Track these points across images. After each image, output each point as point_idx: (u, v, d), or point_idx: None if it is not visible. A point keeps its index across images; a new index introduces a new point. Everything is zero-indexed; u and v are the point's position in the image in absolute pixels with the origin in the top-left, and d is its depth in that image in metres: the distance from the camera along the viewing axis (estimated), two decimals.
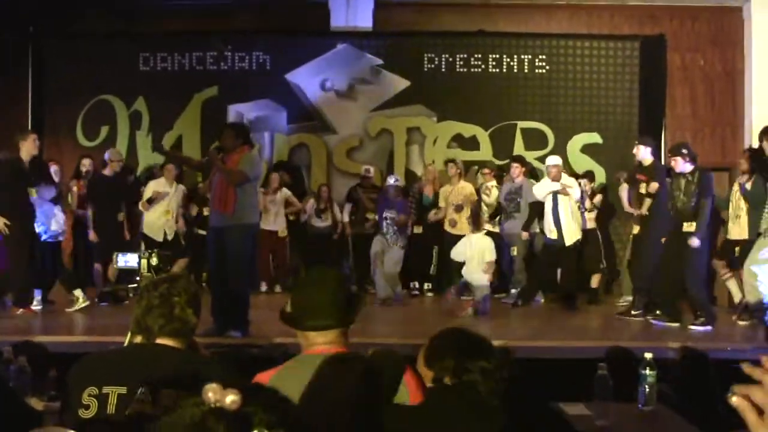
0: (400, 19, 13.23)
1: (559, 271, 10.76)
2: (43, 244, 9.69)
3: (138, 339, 3.09)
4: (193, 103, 13.13)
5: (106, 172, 10.86)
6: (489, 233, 10.64)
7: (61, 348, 6.51)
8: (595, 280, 11.26)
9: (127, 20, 13.00)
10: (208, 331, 7.47)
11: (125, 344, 3.26)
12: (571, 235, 10.33)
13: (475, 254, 9.96)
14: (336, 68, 13.12)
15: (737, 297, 9.95)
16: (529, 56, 13.06)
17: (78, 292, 9.68)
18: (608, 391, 4.04)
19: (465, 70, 13.07)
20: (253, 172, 8.08)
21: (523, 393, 3.83)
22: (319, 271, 3.26)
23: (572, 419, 4.09)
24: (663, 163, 10.40)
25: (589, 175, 11.78)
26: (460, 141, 13.06)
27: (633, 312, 9.59)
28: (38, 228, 9.56)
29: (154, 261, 10.23)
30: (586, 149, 12.87)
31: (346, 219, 12.30)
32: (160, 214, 11.24)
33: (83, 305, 9.58)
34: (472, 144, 13.04)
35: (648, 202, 9.51)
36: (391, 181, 11.32)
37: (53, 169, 10.58)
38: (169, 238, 11.30)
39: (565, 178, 10.49)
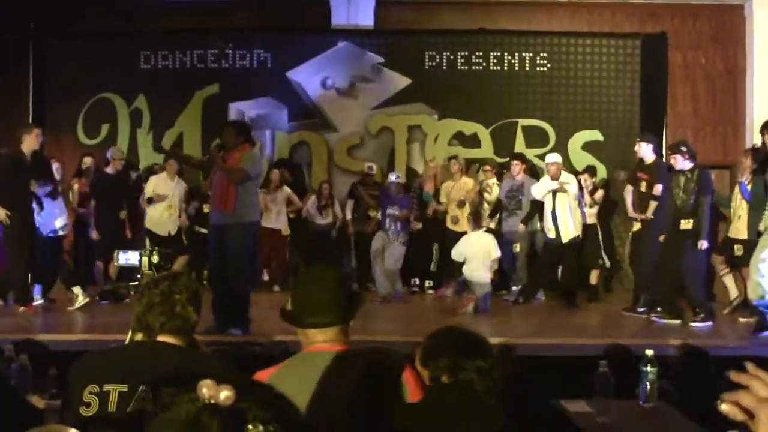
0: (401, 17, 13.23)
1: (560, 268, 10.77)
2: (44, 240, 9.69)
3: (139, 336, 3.09)
4: (194, 101, 13.13)
5: (109, 170, 10.88)
6: (488, 230, 10.64)
7: (62, 346, 6.51)
8: (594, 277, 11.25)
9: (128, 18, 13.00)
10: (209, 329, 7.47)
11: (126, 342, 3.26)
12: (568, 233, 10.33)
13: (477, 252, 9.96)
14: (337, 66, 13.11)
15: (733, 294, 9.97)
16: (531, 54, 13.05)
17: (77, 290, 9.68)
18: (609, 388, 4.04)
19: (466, 68, 13.06)
20: (254, 170, 8.08)
21: (523, 390, 3.83)
22: (319, 269, 3.28)
23: (573, 416, 4.09)
24: (665, 160, 10.39)
25: (590, 170, 11.74)
26: (461, 139, 13.06)
27: (639, 309, 9.61)
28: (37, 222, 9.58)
29: (155, 259, 10.22)
30: (587, 147, 12.86)
31: (349, 216, 12.30)
32: (163, 209, 11.30)
33: (83, 302, 9.58)
34: (473, 142, 13.04)
35: (653, 205, 9.51)
36: (392, 178, 11.33)
37: (54, 166, 10.58)
38: (172, 233, 11.34)
39: (564, 175, 10.49)
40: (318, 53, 13.11)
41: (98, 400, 2.82)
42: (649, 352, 4.24)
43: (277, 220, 11.98)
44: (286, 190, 12.13)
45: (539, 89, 13.05)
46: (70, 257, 11.74)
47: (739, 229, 9.63)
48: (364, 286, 11.54)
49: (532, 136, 12.93)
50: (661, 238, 9.29)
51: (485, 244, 10.08)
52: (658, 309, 9.24)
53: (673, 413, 4.12)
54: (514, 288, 11.11)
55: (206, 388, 1.21)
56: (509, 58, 13.04)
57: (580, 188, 10.66)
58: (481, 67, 13.05)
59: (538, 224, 10.86)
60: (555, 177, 10.39)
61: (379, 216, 11.44)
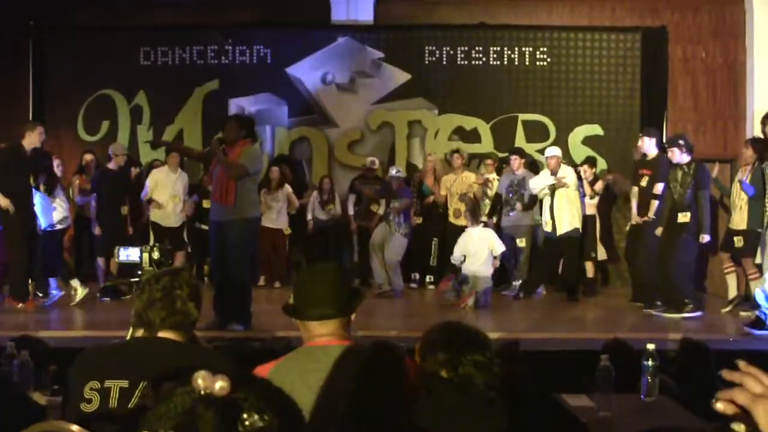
0: (401, 12, 13.21)
1: (562, 261, 10.78)
2: (42, 234, 9.70)
3: (139, 332, 3.09)
4: (194, 97, 13.12)
5: (111, 165, 10.89)
6: (485, 225, 10.65)
7: (63, 343, 6.53)
8: (590, 269, 11.25)
9: (127, 15, 12.99)
10: (210, 325, 7.49)
11: (127, 338, 3.27)
12: (563, 227, 10.33)
13: (480, 248, 9.97)
14: (337, 62, 13.10)
15: (732, 293, 9.97)
16: (530, 49, 13.03)
17: (75, 282, 9.70)
18: (610, 382, 4.05)
19: (466, 62, 13.04)
20: (254, 166, 8.07)
21: (526, 385, 3.83)
22: (320, 265, 3.36)
23: (575, 410, 4.10)
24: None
25: (590, 161, 11.74)
26: (461, 134, 13.04)
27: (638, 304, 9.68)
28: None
29: (156, 255, 10.21)
30: (588, 141, 12.85)
31: (351, 212, 12.29)
32: (167, 200, 11.31)
33: (83, 295, 9.60)
34: (473, 137, 13.02)
35: (654, 204, 9.52)
36: (392, 172, 11.37)
37: (55, 162, 10.61)
38: (176, 225, 11.38)
39: (562, 168, 10.49)
40: (318, 49, 13.09)
41: (99, 396, 2.82)
42: (651, 347, 4.25)
43: (278, 219, 11.96)
44: (287, 188, 12.11)
45: (539, 84, 13.03)
46: (71, 254, 11.77)
47: (738, 220, 9.64)
48: (366, 281, 11.55)
49: (533, 131, 12.92)
50: (658, 231, 9.31)
51: (489, 239, 10.10)
52: (657, 303, 9.27)
53: (675, 407, 4.13)
54: (515, 283, 11.09)
55: (201, 379, 1.21)
56: (509, 52, 13.02)
57: (579, 179, 10.66)
58: (481, 62, 13.03)
59: (540, 218, 10.87)
60: (554, 170, 10.40)
61: (381, 211, 11.45)
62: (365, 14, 12.99)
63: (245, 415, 1.19)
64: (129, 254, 10.44)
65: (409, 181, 12.13)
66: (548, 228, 10.46)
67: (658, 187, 9.48)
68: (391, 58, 13.06)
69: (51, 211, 10.06)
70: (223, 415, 1.19)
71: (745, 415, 1.39)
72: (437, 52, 13.04)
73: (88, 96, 13.06)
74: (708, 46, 13.01)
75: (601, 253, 11.58)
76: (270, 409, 1.21)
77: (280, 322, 7.53)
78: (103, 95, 13.07)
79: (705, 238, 9.05)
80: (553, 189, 10.34)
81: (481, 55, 13.02)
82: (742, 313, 9.16)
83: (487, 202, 11.72)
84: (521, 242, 11.11)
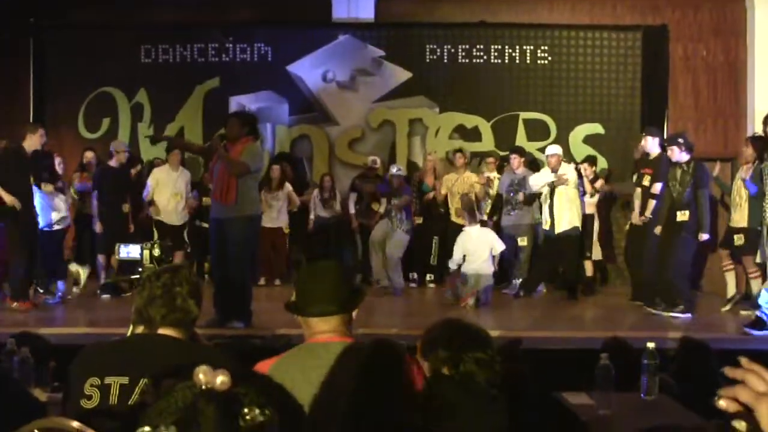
0: (402, 10, 13.20)
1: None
2: (41, 234, 9.72)
3: (140, 329, 3.10)
4: (194, 94, 13.12)
5: (112, 163, 10.89)
6: (483, 224, 10.66)
7: (64, 340, 6.53)
8: (589, 268, 11.25)
9: (128, 13, 12.99)
10: (211, 323, 7.49)
11: (128, 335, 3.27)
12: (561, 225, 10.33)
13: (480, 247, 9.96)
14: (338, 60, 13.10)
15: (731, 291, 9.97)
16: (531, 47, 13.03)
17: (73, 266, 9.73)
18: (610, 380, 4.05)
19: (467, 61, 13.04)
20: (255, 164, 8.06)
21: (525, 383, 3.83)
22: (322, 263, 3.39)
23: (575, 409, 4.10)
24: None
25: (590, 160, 11.75)
26: (462, 132, 13.05)
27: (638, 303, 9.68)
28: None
29: (157, 252, 10.22)
30: (588, 140, 12.84)
31: (352, 210, 12.29)
32: (169, 198, 11.31)
33: (85, 275, 9.64)
34: (474, 135, 13.03)
35: (652, 204, 9.53)
36: (393, 170, 11.39)
37: (56, 160, 10.62)
38: (179, 224, 11.36)
39: (562, 166, 10.49)
40: (319, 47, 13.09)
41: (99, 393, 2.83)
42: (650, 345, 4.25)
43: (278, 218, 11.95)
44: (287, 187, 12.11)
45: (540, 82, 13.03)
46: (72, 252, 11.76)
47: (738, 217, 9.65)
48: (367, 279, 11.55)
49: (533, 130, 12.92)
50: (657, 230, 9.32)
51: (488, 238, 10.11)
52: (657, 301, 9.28)
53: (674, 406, 4.13)
54: (515, 281, 11.08)
55: (202, 374, 1.22)
56: (510, 51, 13.02)
57: (580, 177, 10.66)
58: (482, 60, 13.03)
59: (540, 217, 10.87)
60: (555, 168, 10.40)
61: (382, 210, 11.45)
62: (366, 12, 12.99)
63: (246, 410, 1.20)
64: (129, 251, 10.46)
65: (410, 180, 12.13)
66: (547, 226, 10.47)
67: (656, 187, 9.48)
68: (392, 56, 13.06)
69: (50, 211, 10.06)
70: (224, 410, 1.19)
71: (747, 413, 1.39)
72: (438, 50, 13.04)
73: (89, 93, 13.06)
74: (709, 45, 13.00)
75: (596, 253, 11.56)
76: (271, 405, 1.22)
77: (281, 319, 7.54)
78: (103, 93, 13.07)
79: (703, 236, 9.06)
80: (553, 187, 10.34)
81: (482, 54, 13.02)
82: (743, 312, 9.14)
83: (489, 202, 11.73)
84: (522, 241, 11.11)
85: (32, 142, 9.31)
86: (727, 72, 12.93)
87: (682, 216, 8.97)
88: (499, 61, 13.02)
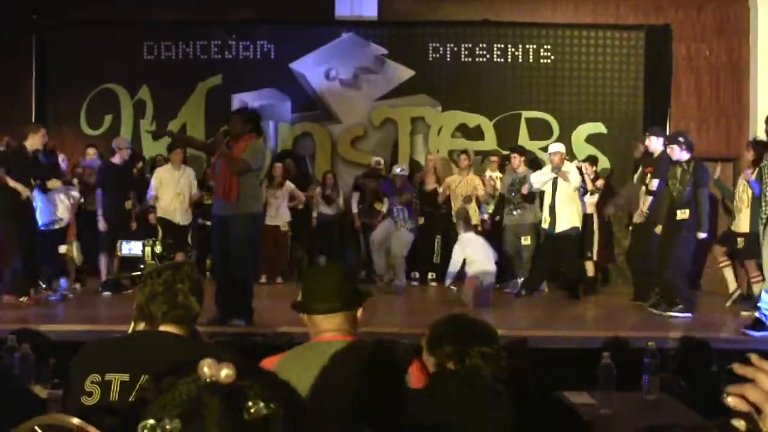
0: (405, 8, 13.20)
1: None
2: (41, 232, 9.74)
3: (141, 326, 3.10)
4: (197, 92, 13.12)
5: (115, 160, 10.86)
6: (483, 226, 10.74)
7: (64, 337, 6.53)
8: (590, 268, 11.25)
9: (130, 10, 12.98)
10: (212, 320, 7.49)
11: (129, 332, 3.27)
12: (562, 224, 10.33)
13: (477, 248, 9.95)
14: (340, 57, 13.10)
15: (732, 286, 9.99)
16: (534, 46, 13.03)
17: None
18: (612, 380, 4.05)
19: (470, 59, 13.04)
20: (257, 162, 8.05)
21: (529, 381, 3.84)
22: (326, 263, 3.47)
23: (576, 408, 4.10)
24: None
25: (591, 159, 11.76)
26: (464, 131, 13.05)
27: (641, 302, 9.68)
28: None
29: (158, 249, 10.24)
30: (591, 139, 12.84)
31: (355, 209, 12.29)
32: (172, 198, 11.27)
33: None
34: (476, 134, 13.03)
35: (648, 199, 9.53)
36: (397, 170, 11.40)
37: (60, 157, 10.62)
38: (183, 223, 11.34)
39: (565, 164, 10.48)
40: (321, 45, 13.10)
41: (100, 390, 2.83)
42: (652, 344, 4.25)
43: (276, 215, 11.95)
44: (289, 186, 12.10)
45: (543, 81, 13.03)
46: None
47: (741, 222, 9.64)
48: (370, 276, 11.56)
49: (536, 129, 12.92)
50: (658, 229, 9.32)
51: (483, 242, 10.12)
52: (651, 296, 9.31)
53: (675, 405, 4.13)
54: (515, 280, 11.08)
55: (207, 367, 1.22)
56: (513, 50, 13.02)
57: (581, 175, 10.64)
58: (484, 59, 13.03)
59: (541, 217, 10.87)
60: (558, 167, 10.40)
61: (384, 209, 11.46)
62: (369, 10, 12.99)
63: (250, 403, 1.20)
64: (131, 248, 10.48)
65: (411, 178, 12.13)
66: (546, 225, 10.48)
67: (654, 183, 9.48)
68: (394, 55, 13.06)
69: (47, 210, 10.05)
70: (229, 403, 1.19)
71: (754, 410, 1.37)
72: (441, 48, 13.04)
73: (91, 90, 13.07)
74: (712, 44, 12.99)
75: (597, 253, 11.56)
76: (275, 399, 1.22)
77: (282, 317, 7.56)
78: (106, 90, 13.08)
79: (701, 235, 9.03)
80: (555, 184, 10.33)
81: (484, 52, 13.02)
82: (743, 313, 9.14)
83: (492, 203, 11.75)
84: (525, 240, 11.10)
85: (34, 142, 9.33)
86: (729, 72, 12.92)
87: (683, 214, 8.97)
88: (502, 60, 13.02)
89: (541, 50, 13.01)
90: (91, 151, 11.73)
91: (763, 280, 8.86)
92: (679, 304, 8.91)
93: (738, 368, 1.42)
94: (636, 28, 12.99)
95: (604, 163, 12.52)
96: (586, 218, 10.96)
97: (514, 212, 11.21)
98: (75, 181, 11.23)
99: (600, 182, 11.38)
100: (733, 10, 12.91)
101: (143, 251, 10.43)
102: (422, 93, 13.04)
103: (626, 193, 10.88)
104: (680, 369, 5.02)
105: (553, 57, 13.01)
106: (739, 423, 1.38)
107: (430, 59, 13.05)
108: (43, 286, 9.83)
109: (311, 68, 13.08)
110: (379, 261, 11.07)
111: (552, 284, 11.29)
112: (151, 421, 1.20)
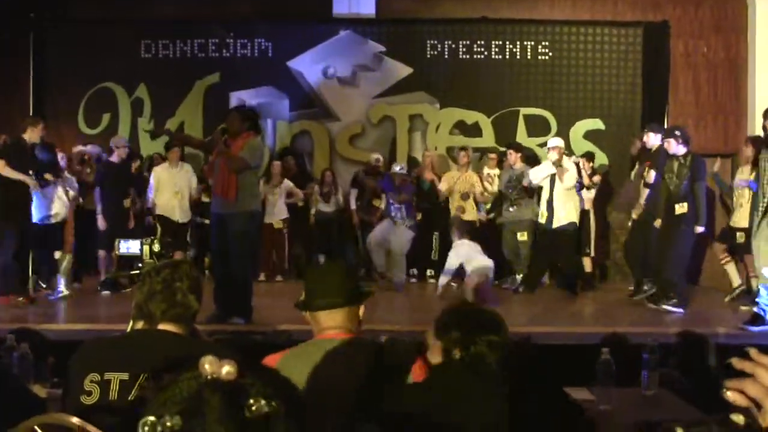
0: (403, 5, 13.19)
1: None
2: (37, 228, 9.73)
3: (140, 325, 3.09)
4: (195, 90, 13.11)
5: (113, 158, 10.86)
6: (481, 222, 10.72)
7: (63, 336, 6.53)
8: (587, 264, 11.25)
9: (128, 8, 12.97)
10: (211, 318, 7.49)
11: (128, 331, 3.27)
12: (559, 220, 10.32)
13: (472, 250, 9.94)
14: (338, 55, 13.09)
15: (735, 282, 10.00)
16: (532, 43, 13.03)
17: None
18: (611, 375, 4.05)
19: (468, 56, 13.04)
20: (254, 160, 8.04)
21: (526, 377, 3.84)
22: (327, 262, 3.54)
23: (578, 403, 4.10)
24: None
25: (588, 155, 11.76)
26: (462, 128, 13.05)
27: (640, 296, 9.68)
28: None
29: (156, 248, 10.21)
30: (589, 135, 12.85)
31: (353, 206, 12.28)
32: (170, 196, 11.25)
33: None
34: (474, 131, 13.02)
35: (645, 192, 9.53)
36: (396, 168, 11.37)
37: (59, 156, 10.61)
38: (182, 221, 11.32)
39: (564, 160, 10.47)
40: (319, 42, 13.09)
41: (99, 389, 2.83)
42: (650, 340, 4.25)
43: (274, 213, 11.94)
44: (287, 183, 12.09)
45: (541, 78, 13.03)
46: (70, 247, 11.75)
47: (741, 217, 9.64)
48: (369, 273, 11.56)
49: (534, 125, 12.92)
50: (657, 223, 9.32)
51: (479, 248, 10.12)
52: (645, 289, 9.33)
53: (675, 400, 4.13)
54: (514, 276, 11.09)
55: (208, 364, 1.21)
56: (511, 46, 13.02)
57: (579, 171, 10.63)
58: (482, 56, 13.03)
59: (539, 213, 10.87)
60: (557, 162, 10.38)
61: (383, 206, 11.45)
62: (367, 8, 12.98)
63: (252, 401, 1.19)
64: (129, 246, 10.44)
65: (409, 175, 12.13)
66: (543, 219, 10.46)
67: (651, 175, 9.48)
68: (392, 52, 13.05)
69: (43, 205, 10.04)
70: (230, 400, 1.19)
71: (753, 405, 1.37)
72: (439, 46, 13.03)
73: (89, 89, 13.06)
74: (709, 41, 12.98)
75: (594, 249, 11.57)
76: (277, 397, 1.22)
77: (282, 315, 7.55)
78: (103, 88, 13.07)
79: (699, 229, 9.03)
80: (552, 180, 10.32)
81: (482, 49, 13.02)
82: (743, 308, 9.14)
83: (490, 200, 11.77)
84: (522, 236, 11.09)
85: (33, 135, 9.32)
86: (727, 69, 12.92)
87: (681, 209, 8.97)
88: (500, 57, 13.02)
89: (539, 47, 13.01)
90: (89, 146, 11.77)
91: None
92: (674, 298, 8.92)
93: (737, 363, 1.42)
94: (634, 25, 12.99)
95: (601, 159, 12.53)
96: (584, 214, 10.96)
97: (511, 209, 11.21)
98: (74, 179, 11.25)
99: (597, 178, 11.39)
100: (730, 7, 12.91)
101: (141, 250, 10.39)
102: (420, 90, 13.04)
103: (626, 193, 10.88)
104: (679, 364, 5.03)
105: (551, 54, 13.01)
106: (739, 418, 1.37)
107: (428, 56, 13.05)
108: (43, 285, 9.82)
109: (309, 66, 13.08)
110: (379, 259, 11.09)
111: (552, 280, 11.29)
112: (152, 418, 1.19)
